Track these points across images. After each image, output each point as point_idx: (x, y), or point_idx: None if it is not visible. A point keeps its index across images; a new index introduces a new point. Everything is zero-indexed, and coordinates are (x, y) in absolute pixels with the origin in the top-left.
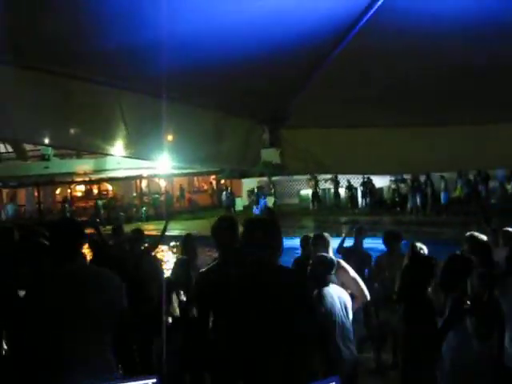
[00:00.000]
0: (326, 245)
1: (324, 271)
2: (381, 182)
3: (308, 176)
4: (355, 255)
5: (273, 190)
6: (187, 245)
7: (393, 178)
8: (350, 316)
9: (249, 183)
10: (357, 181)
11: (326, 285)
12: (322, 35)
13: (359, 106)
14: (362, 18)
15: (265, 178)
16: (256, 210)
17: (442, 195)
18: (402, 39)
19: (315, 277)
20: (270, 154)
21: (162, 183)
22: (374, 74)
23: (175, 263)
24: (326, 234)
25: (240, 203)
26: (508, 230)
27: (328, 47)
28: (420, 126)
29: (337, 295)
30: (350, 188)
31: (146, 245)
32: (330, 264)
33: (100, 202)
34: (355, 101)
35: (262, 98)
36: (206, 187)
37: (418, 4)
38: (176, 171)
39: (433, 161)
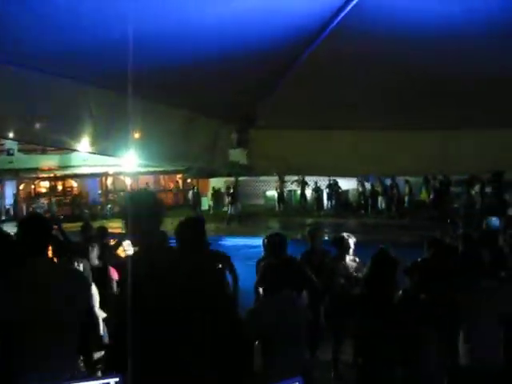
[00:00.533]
0: (282, 244)
1: (274, 277)
2: (347, 184)
3: (276, 177)
4: (315, 256)
5: (232, 190)
6: None
7: (360, 180)
8: (304, 320)
9: (216, 183)
10: (324, 183)
11: (277, 290)
12: (292, 37)
13: (330, 108)
14: (332, 21)
15: (232, 178)
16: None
17: (407, 199)
18: (373, 42)
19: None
20: (238, 155)
21: (128, 181)
22: (346, 77)
23: None
24: (281, 233)
25: (206, 202)
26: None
27: (298, 49)
28: (392, 130)
29: (288, 300)
30: (317, 190)
31: (111, 242)
32: (280, 270)
33: (53, 200)
34: (326, 103)
35: (231, 98)
36: (172, 186)
37: (389, 8)
38: (142, 169)
39: (404, 164)
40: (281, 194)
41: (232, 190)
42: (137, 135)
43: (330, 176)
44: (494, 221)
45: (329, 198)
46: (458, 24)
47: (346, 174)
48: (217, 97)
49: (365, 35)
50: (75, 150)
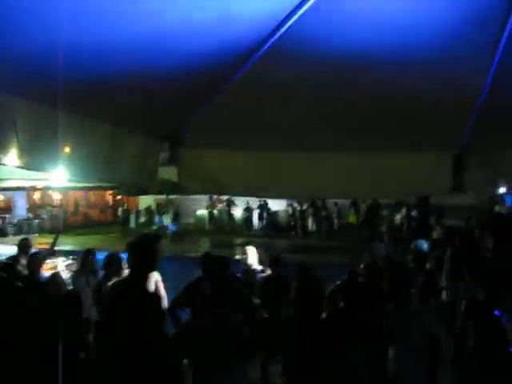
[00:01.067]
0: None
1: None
2: (278, 205)
3: (207, 196)
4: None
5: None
6: (86, 259)
7: (290, 202)
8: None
9: (146, 200)
10: (255, 203)
11: (205, 309)
12: (224, 58)
13: (260, 128)
14: (264, 45)
15: (163, 196)
16: (173, 228)
17: (336, 221)
18: (301, 67)
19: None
20: (169, 172)
21: (57, 196)
22: (275, 100)
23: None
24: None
25: (133, 220)
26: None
27: (230, 69)
28: (325, 151)
29: (219, 319)
30: (248, 210)
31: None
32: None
33: None
34: (256, 123)
35: (162, 115)
36: (102, 202)
37: (319, 34)
38: (71, 184)
39: (331, 187)
40: (211, 213)
41: (174, 208)
42: (65, 150)
43: (260, 197)
44: (423, 244)
45: (259, 219)
46: (396, 49)
47: (276, 196)
48: (147, 114)
49: (293, 60)
50: (1, 164)
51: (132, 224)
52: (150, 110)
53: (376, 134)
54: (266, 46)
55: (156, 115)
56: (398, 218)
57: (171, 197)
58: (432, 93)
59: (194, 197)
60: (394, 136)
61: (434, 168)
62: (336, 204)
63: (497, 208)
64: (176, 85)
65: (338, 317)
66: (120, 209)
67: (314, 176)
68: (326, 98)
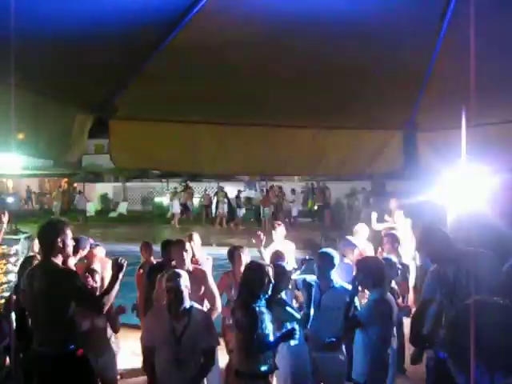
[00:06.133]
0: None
1: None
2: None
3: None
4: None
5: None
6: None
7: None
8: None
9: (102, 188)
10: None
11: None
12: (149, 27)
13: (190, 100)
14: (189, 12)
15: (119, 184)
16: None
17: (293, 208)
18: (230, 32)
19: None
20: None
21: (11, 184)
22: (202, 70)
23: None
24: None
25: (92, 208)
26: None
27: (156, 39)
28: (260, 126)
29: None
30: (225, 197)
31: None
32: None
33: None
34: (187, 95)
35: (88, 86)
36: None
37: None
38: (26, 172)
39: (274, 164)
40: (184, 204)
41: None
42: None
43: (193, 173)
44: None
45: (238, 206)
46: (339, 21)
47: (208, 171)
48: (72, 84)
49: (221, 25)
50: None
51: (91, 212)
52: (76, 81)
53: (321, 112)
54: (192, 12)
55: (82, 86)
56: (356, 204)
57: (128, 184)
58: (377, 69)
59: (151, 184)
60: (340, 114)
61: (383, 146)
62: (293, 190)
63: None
64: (102, 55)
65: None
66: (77, 196)
67: (256, 152)
68: (256, 66)
